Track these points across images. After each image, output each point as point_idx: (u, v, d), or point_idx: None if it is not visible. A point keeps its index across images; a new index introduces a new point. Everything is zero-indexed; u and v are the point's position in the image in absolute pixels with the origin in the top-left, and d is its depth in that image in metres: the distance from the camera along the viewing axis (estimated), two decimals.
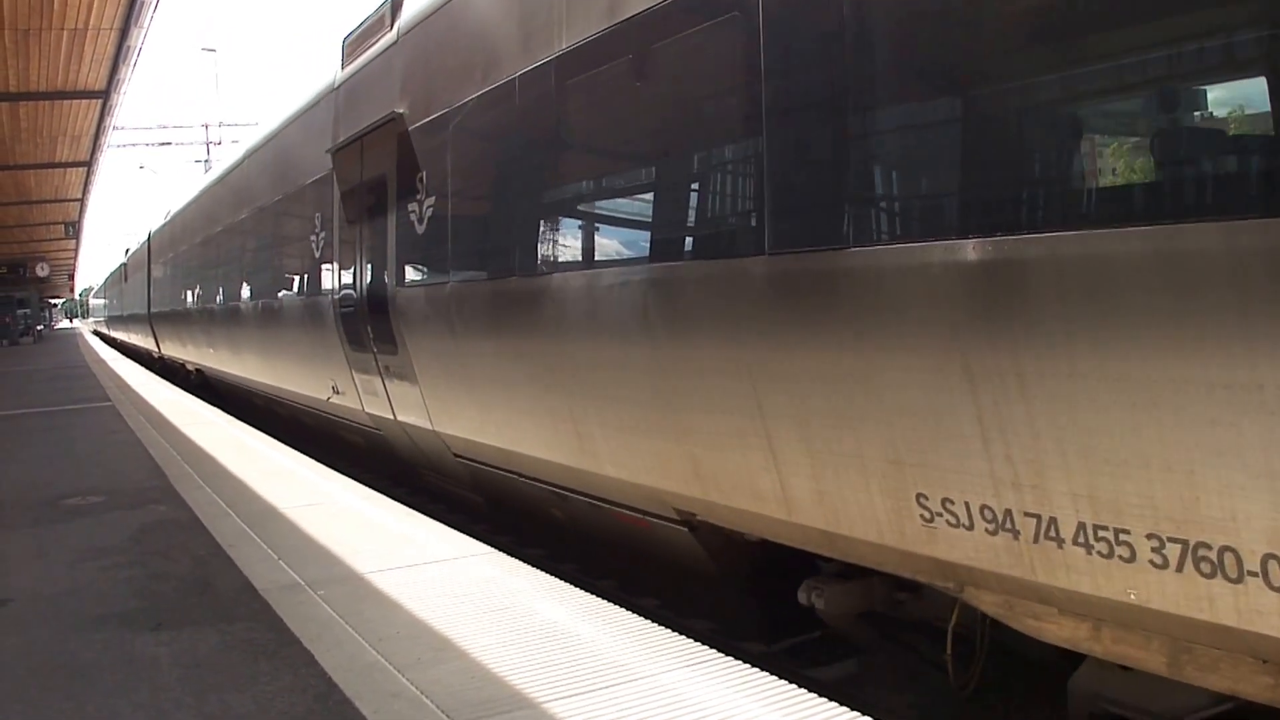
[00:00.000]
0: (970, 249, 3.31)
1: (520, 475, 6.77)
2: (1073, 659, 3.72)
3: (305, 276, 11.35)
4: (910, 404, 3.56)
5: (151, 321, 26.65)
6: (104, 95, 18.05)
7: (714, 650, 3.72)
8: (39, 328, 55.10)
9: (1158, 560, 2.92)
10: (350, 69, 9.63)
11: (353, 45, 9.66)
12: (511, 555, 5.30)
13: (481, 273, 6.95)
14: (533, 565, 5.06)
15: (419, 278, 7.90)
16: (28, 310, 51.22)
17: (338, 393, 10.06)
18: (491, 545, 5.55)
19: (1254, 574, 2.71)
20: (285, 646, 3.90)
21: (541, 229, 6.01)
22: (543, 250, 5.96)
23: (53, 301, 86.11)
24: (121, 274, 40.01)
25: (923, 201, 3.81)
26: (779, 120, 4.14)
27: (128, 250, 39.08)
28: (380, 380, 8.71)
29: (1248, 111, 2.92)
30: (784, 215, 4.12)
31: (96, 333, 62.22)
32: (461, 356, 7.08)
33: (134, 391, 16.64)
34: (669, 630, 3.99)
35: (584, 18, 5.42)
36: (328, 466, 8.46)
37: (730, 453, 4.48)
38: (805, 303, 4.03)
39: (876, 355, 3.67)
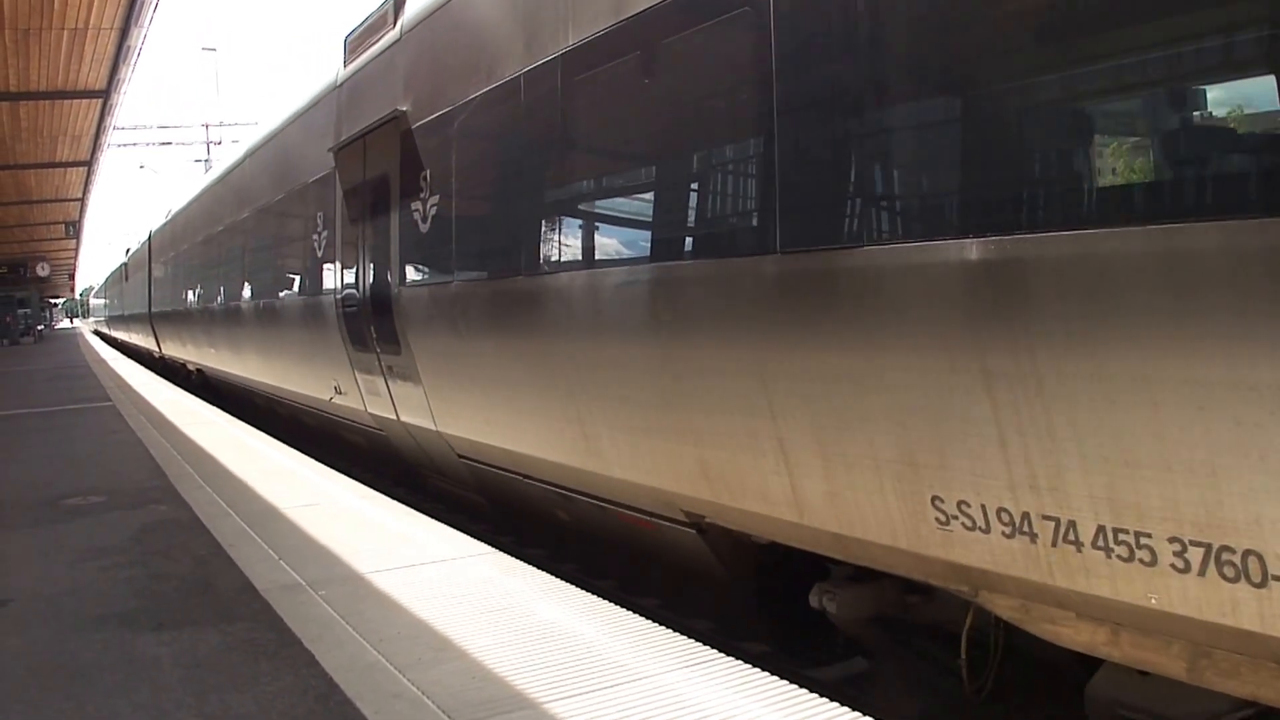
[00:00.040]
0: (987, 247, 3.26)
1: (525, 476, 6.73)
2: (1086, 662, 3.68)
3: (307, 276, 11.30)
4: (926, 405, 3.52)
5: (152, 321, 26.65)
6: (104, 95, 18.06)
7: (715, 650, 3.72)
8: (39, 327, 55.10)
9: (1180, 564, 2.88)
10: (352, 67, 9.60)
11: (355, 43, 9.64)
12: (512, 555, 5.30)
13: (487, 272, 6.90)
14: (533, 565, 5.06)
15: (423, 277, 7.86)
16: (28, 310, 51.23)
17: (340, 393, 10.04)
18: (491, 545, 5.55)
19: (1279, 578, 2.67)
20: (286, 647, 3.90)
21: (548, 228, 5.97)
22: (549, 249, 5.91)
23: (53, 301, 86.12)
24: (122, 274, 40.02)
25: (937, 199, 3.75)
26: (790, 117, 4.09)
27: (128, 250, 39.10)
28: (383, 380, 8.68)
29: (1232, 111, 2.91)
30: (795, 213, 4.07)
31: (97, 332, 62.25)
32: (466, 356, 7.05)
33: (134, 391, 16.64)
34: (670, 630, 3.99)
35: (590, 14, 5.38)
36: (328, 467, 8.46)
37: (740, 454, 4.44)
38: (817, 302, 3.98)
39: (891, 355, 3.62)
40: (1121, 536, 3.00)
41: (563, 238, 5.88)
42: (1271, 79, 2.71)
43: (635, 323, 5.14)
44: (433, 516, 6.42)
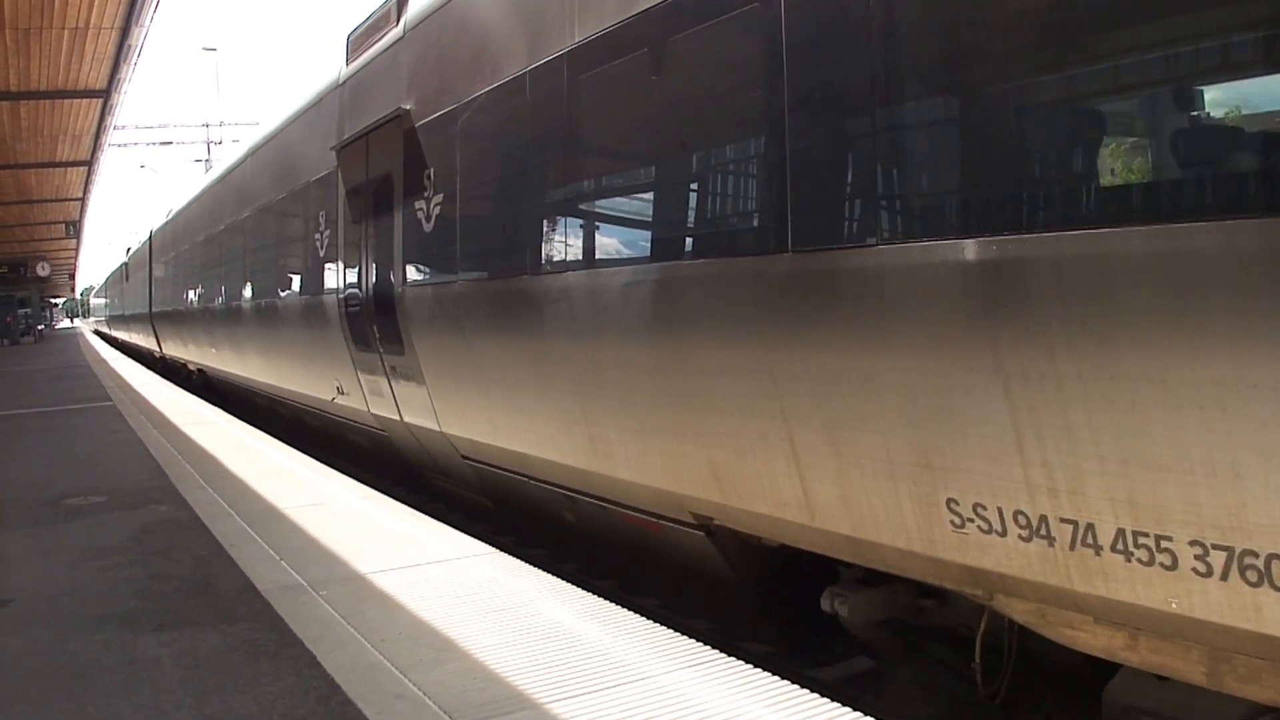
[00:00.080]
0: (1004, 246, 3.21)
1: (530, 478, 6.69)
2: (1101, 666, 3.63)
3: (309, 275, 11.26)
4: (942, 406, 3.47)
5: (153, 321, 26.65)
6: (105, 94, 18.05)
7: (717, 650, 3.71)
8: (40, 327, 55.11)
9: (1201, 568, 2.83)
10: (355, 65, 9.57)
11: (358, 41, 9.61)
12: (513, 555, 5.29)
13: (492, 271, 6.84)
14: (534, 565, 5.05)
15: (426, 276, 7.81)
16: (28, 310, 51.23)
17: (342, 393, 10.01)
18: (493, 545, 5.54)
19: None
20: (287, 647, 3.89)
21: (554, 227, 5.92)
22: (556, 248, 5.86)
23: (53, 301, 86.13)
24: (122, 273, 40.02)
25: (952, 197, 3.67)
26: (801, 113, 4.03)
27: (129, 249, 39.10)
28: (386, 381, 8.65)
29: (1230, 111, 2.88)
30: (807, 212, 4.02)
31: (97, 332, 62.27)
32: (470, 357, 7.00)
33: (135, 391, 16.64)
34: (671, 630, 3.98)
35: (598, 10, 5.34)
36: (330, 467, 8.45)
37: (751, 456, 4.39)
38: (829, 302, 3.93)
39: (905, 356, 3.58)
40: (1142, 540, 2.96)
41: (569, 237, 5.82)
42: None
43: (644, 323, 5.10)
44: (434, 516, 6.41)
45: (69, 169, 26.13)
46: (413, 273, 7.97)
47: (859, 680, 5.23)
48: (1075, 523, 3.13)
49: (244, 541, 5.63)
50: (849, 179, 3.98)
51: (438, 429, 7.80)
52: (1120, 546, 3.02)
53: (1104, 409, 2.97)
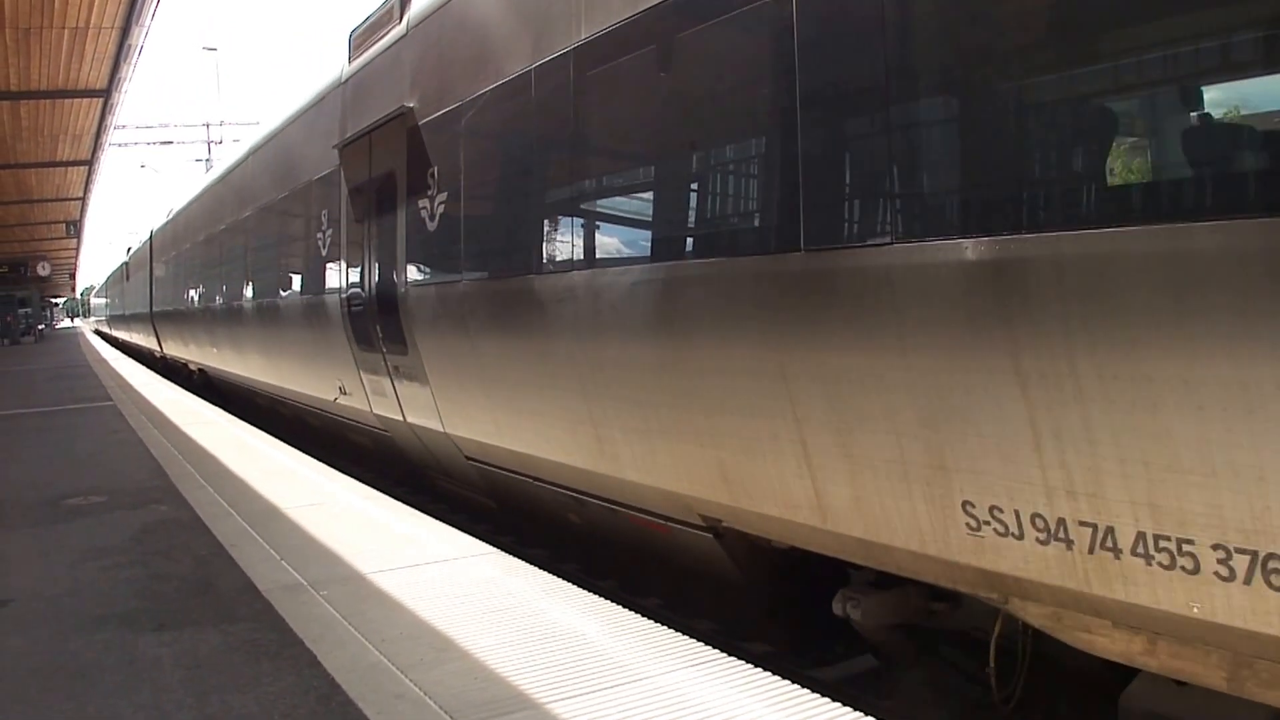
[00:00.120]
0: (1023, 245, 3.16)
1: (535, 479, 6.65)
2: (1116, 670, 3.59)
3: (311, 275, 11.23)
4: (958, 407, 3.41)
5: (154, 321, 26.64)
6: (105, 94, 18.04)
7: (717, 650, 3.71)
8: (40, 327, 55.12)
9: (1224, 572, 2.80)
10: (358, 63, 9.54)
11: (360, 39, 9.58)
12: (513, 555, 5.29)
13: (497, 270, 6.78)
14: (534, 565, 5.04)
15: (430, 276, 7.77)
16: (29, 309, 51.24)
17: (345, 393, 9.99)
18: (493, 545, 5.53)
19: None
20: (288, 647, 3.89)
21: (560, 225, 5.87)
22: (562, 247, 5.81)
23: (54, 300, 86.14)
24: (123, 273, 40.02)
25: (968, 196, 3.60)
26: (813, 110, 3.98)
27: (129, 249, 39.10)
28: (389, 381, 8.62)
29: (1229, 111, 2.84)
30: (820, 210, 3.96)
31: (98, 332, 62.30)
32: (475, 357, 6.95)
33: (136, 391, 16.64)
34: (672, 630, 3.98)
35: (604, 7, 5.29)
36: (331, 467, 8.44)
37: (761, 457, 4.34)
38: (842, 301, 3.87)
39: (921, 356, 3.53)
40: (1163, 543, 2.92)
41: (575, 236, 5.77)
42: None
43: (651, 323, 5.05)
44: (435, 517, 6.40)
45: (69, 168, 26.12)
46: (416, 272, 7.93)
47: (859, 680, 5.22)
48: (1095, 526, 3.09)
49: (245, 541, 5.63)
50: (862, 176, 3.92)
51: (441, 429, 7.76)
52: (1141, 550, 2.98)
53: (1126, 410, 2.92)
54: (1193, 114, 3.12)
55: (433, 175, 7.54)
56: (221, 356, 16.94)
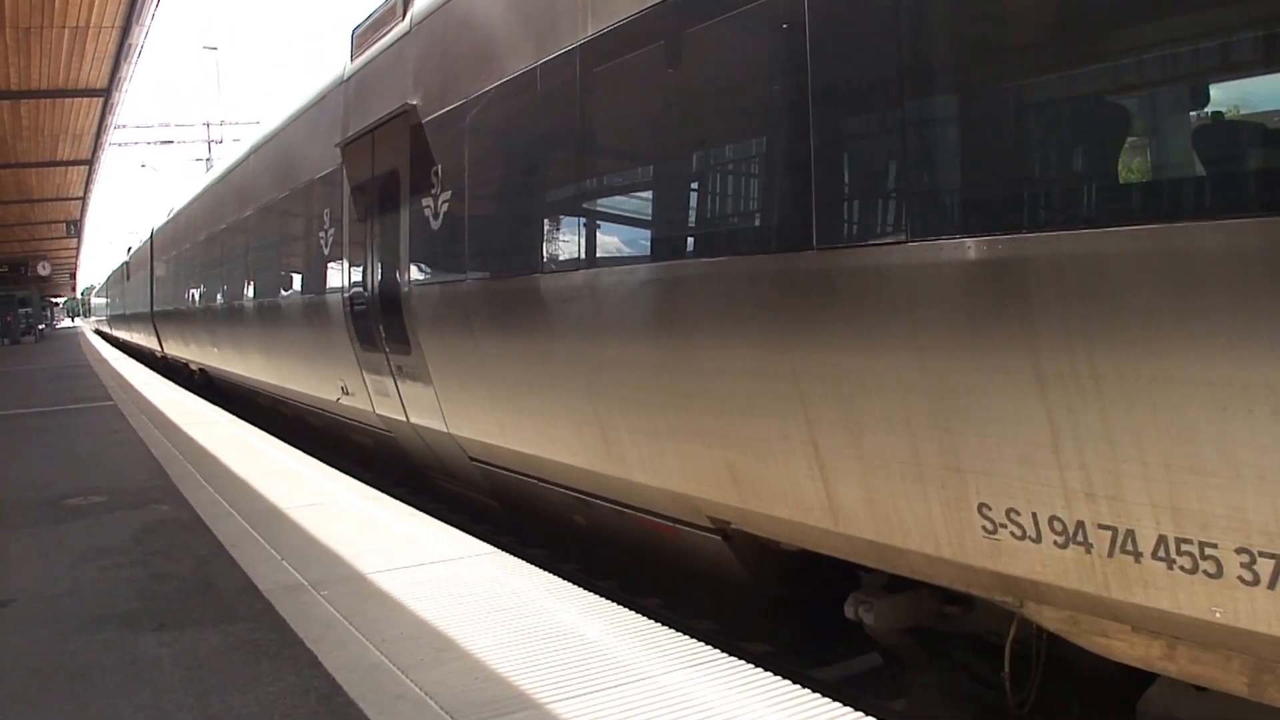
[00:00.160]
0: (1041, 243, 3.12)
1: (541, 480, 6.60)
2: (1131, 674, 3.54)
3: (313, 274, 11.19)
4: (974, 408, 3.36)
5: (154, 320, 26.64)
6: (105, 93, 18.04)
7: (718, 650, 3.71)
8: (40, 327, 55.14)
9: (1247, 576, 2.75)
10: (360, 61, 9.50)
11: (363, 36, 9.55)
12: (514, 555, 5.28)
13: (502, 269, 6.72)
14: (535, 565, 5.04)
15: (434, 275, 7.72)
16: (29, 309, 51.25)
17: (347, 394, 9.96)
18: (494, 545, 5.53)
19: None
20: (288, 647, 3.89)
21: (567, 224, 5.81)
22: (568, 246, 5.75)
23: (54, 300, 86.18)
24: (124, 272, 40.02)
25: (983, 193, 3.53)
26: (826, 107, 3.92)
27: (130, 249, 39.11)
28: (392, 381, 8.58)
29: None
30: (832, 208, 3.91)
31: (98, 331, 62.32)
32: (479, 357, 6.90)
33: (136, 391, 16.64)
34: (672, 630, 3.97)
35: (612, 3, 5.24)
36: (332, 467, 8.44)
37: (772, 459, 4.28)
38: (855, 300, 3.80)
39: (935, 356, 3.47)
40: (1185, 547, 2.88)
41: (582, 234, 5.68)
42: None
43: (660, 322, 4.99)
44: (436, 517, 6.39)
45: (70, 168, 26.13)
46: (420, 271, 7.89)
47: (860, 680, 5.21)
48: (1114, 529, 3.05)
49: (245, 541, 5.62)
50: (876, 174, 3.86)
51: (445, 430, 7.72)
52: (1162, 554, 2.94)
53: (1147, 411, 2.87)
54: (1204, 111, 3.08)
55: (436, 173, 7.50)
56: (223, 356, 16.92)
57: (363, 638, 3.94)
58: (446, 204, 7.33)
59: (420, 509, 6.69)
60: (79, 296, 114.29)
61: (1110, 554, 3.08)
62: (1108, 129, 3.29)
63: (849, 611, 4.49)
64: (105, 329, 56.17)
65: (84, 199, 33.27)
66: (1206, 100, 3.07)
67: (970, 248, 3.35)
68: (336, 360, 9.95)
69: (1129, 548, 3.03)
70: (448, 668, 3.59)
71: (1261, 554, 2.72)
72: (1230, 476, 2.73)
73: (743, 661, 3.58)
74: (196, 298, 19.22)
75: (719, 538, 5.03)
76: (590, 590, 4.60)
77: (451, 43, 7.53)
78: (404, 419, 8.57)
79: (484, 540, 5.67)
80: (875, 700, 4.88)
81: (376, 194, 8.83)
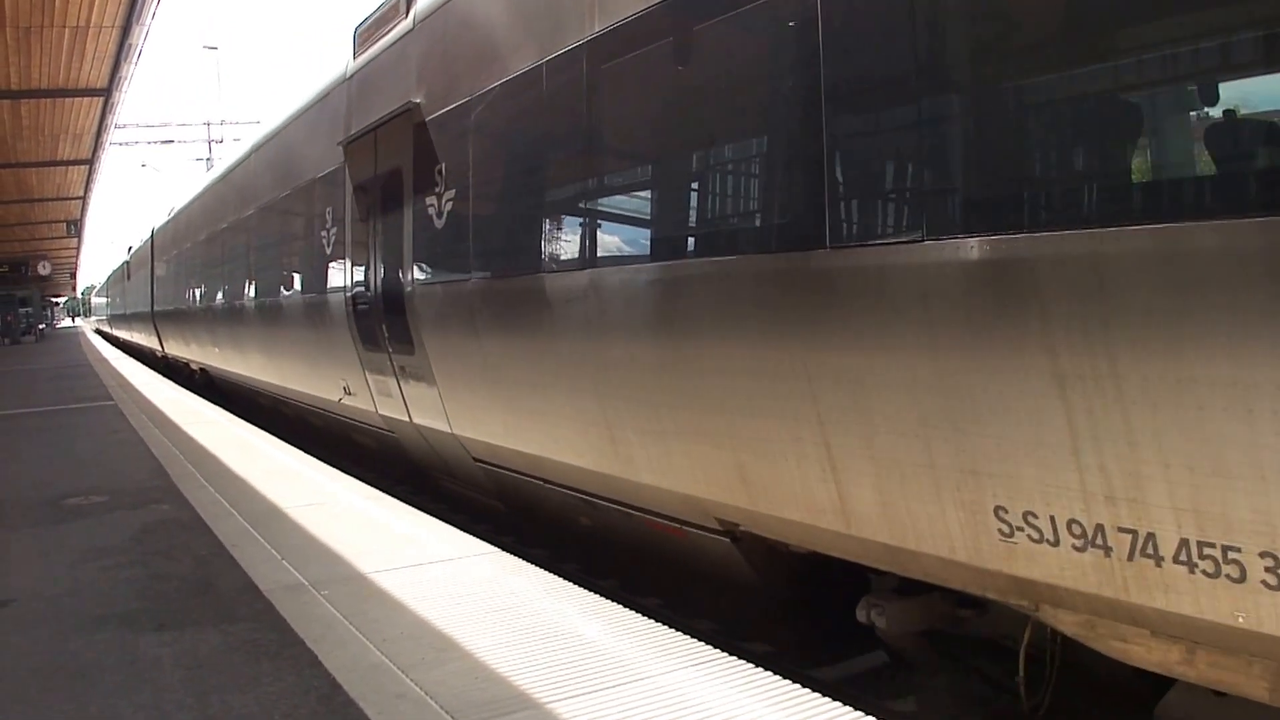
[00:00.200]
0: (1060, 242, 3.07)
1: (546, 481, 6.56)
2: (1147, 679, 3.51)
3: (315, 274, 11.15)
4: (991, 409, 3.31)
5: (155, 320, 26.65)
6: (106, 93, 18.03)
7: (718, 650, 3.70)
8: (41, 326, 55.15)
9: (1272, 581, 2.71)
10: (363, 59, 9.47)
11: (365, 34, 9.52)
12: (514, 555, 5.28)
13: (507, 269, 6.65)
14: (535, 565, 5.04)
15: (438, 274, 7.68)
16: (29, 309, 51.26)
17: (349, 394, 9.95)
18: (494, 545, 5.52)
19: None
20: (288, 647, 3.88)
21: (573, 222, 5.76)
22: (575, 245, 5.70)
23: (55, 300, 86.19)
24: (124, 272, 40.05)
25: (1002, 191, 3.46)
26: (839, 104, 3.87)
27: (130, 248, 39.12)
28: (395, 381, 8.55)
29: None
30: (846, 207, 3.88)
31: (99, 331, 62.36)
32: (483, 357, 6.85)
33: (136, 390, 16.64)
34: (672, 630, 3.97)
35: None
36: (334, 467, 8.44)
37: (783, 460, 4.24)
38: (868, 301, 3.76)
39: (951, 357, 3.42)
40: (1208, 551, 2.84)
41: (589, 233, 5.61)
42: None
43: (668, 322, 4.95)
44: (436, 517, 6.39)
45: (70, 168, 26.12)
46: (423, 270, 7.85)
47: (860, 680, 5.21)
48: (1135, 532, 3.01)
49: (245, 541, 5.62)
50: (890, 172, 3.81)
51: (449, 430, 7.69)
52: (1184, 557, 2.90)
53: (1169, 413, 2.83)
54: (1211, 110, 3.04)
55: (440, 172, 7.46)
56: (223, 356, 16.92)
57: (363, 637, 3.94)
58: (450, 203, 7.28)
59: (420, 509, 6.69)
60: (79, 296, 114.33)
61: (1130, 557, 3.04)
62: (1130, 126, 3.23)
63: (860, 615, 4.44)
64: (106, 328, 56.19)
65: (84, 199, 33.27)
66: (1215, 99, 3.03)
67: (986, 247, 3.30)
68: (339, 360, 9.92)
69: (1150, 551, 2.99)
70: (448, 667, 3.59)
71: None
72: (1255, 479, 2.69)
73: (742, 661, 3.57)
74: (197, 297, 19.21)
75: (727, 540, 4.99)
76: (591, 590, 4.60)
77: (455, 40, 7.50)
78: (407, 419, 8.55)
79: (484, 540, 5.67)
80: (876, 700, 4.88)
81: (379, 193, 8.79)
